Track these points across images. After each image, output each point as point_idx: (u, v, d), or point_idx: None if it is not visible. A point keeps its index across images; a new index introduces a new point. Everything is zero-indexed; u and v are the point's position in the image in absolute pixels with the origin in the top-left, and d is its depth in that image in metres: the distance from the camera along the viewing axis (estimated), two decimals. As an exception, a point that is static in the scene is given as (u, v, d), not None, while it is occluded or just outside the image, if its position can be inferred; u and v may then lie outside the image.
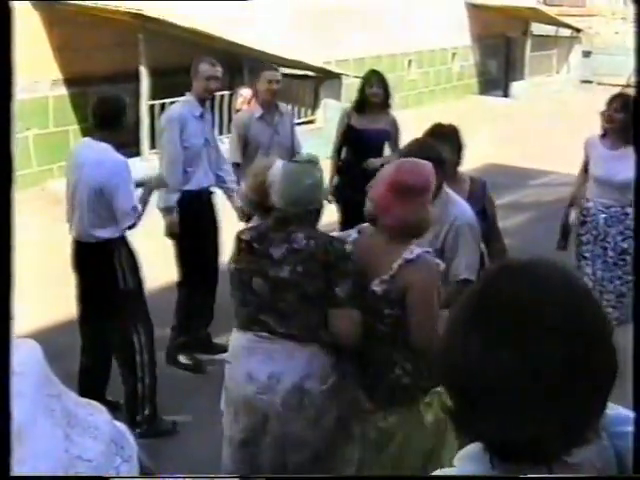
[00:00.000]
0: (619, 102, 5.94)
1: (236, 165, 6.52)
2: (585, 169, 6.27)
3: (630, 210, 5.93)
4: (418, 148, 4.13)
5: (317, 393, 3.57)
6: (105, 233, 5.04)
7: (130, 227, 5.06)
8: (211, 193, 6.26)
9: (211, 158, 6.17)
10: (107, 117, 5.08)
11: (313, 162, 3.71)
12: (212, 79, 6.00)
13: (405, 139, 9.50)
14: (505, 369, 1.23)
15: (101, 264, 5.10)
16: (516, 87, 20.52)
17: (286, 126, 6.78)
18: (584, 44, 23.21)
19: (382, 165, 6.86)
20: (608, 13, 24.78)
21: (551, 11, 21.17)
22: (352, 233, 3.60)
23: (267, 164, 4.11)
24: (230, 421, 3.75)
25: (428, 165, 3.49)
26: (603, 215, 6.06)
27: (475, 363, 1.26)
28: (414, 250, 3.39)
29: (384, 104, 7.10)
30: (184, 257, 6.12)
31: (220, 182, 6.32)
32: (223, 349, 6.23)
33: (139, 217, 5.07)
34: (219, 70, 6.07)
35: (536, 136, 14.44)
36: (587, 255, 6.17)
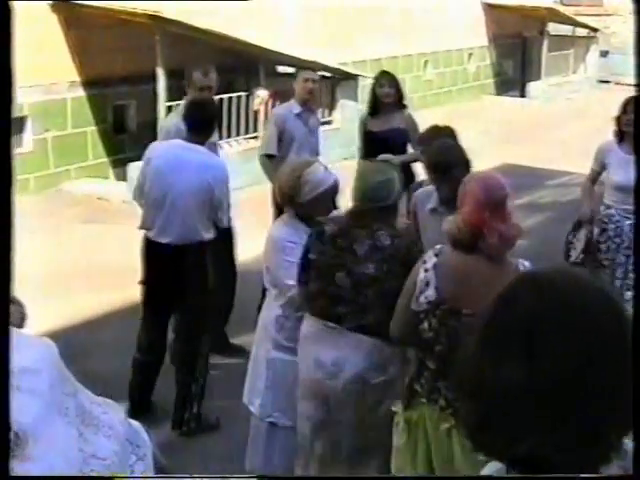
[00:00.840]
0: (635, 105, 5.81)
1: (270, 157, 6.65)
2: (594, 178, 6.13)
3: None
4: (451, 149, 4.37)
5: (376, 383, 3.74)
6: (209, 234, 5.13)
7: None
8: None
9: None
10: (204, 121, 5.20)
11: (388, 162, 3.92)
12: (205, 89, 5.87)
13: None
14: (516, 383, 1.23)
15: (198, 265, 5.15)
16: (533, 87, 20.43)
17: (316, 129, 7.02)
18: (601, 44, 23.08)
19: (405, 161, 6.90)
20: (625, 12, 24.63)
21: (568, 11, 21.09)
22: (430, 257, 3.35)
23: (305, 161, 4.22)
24: (300, 400, 4.00)
25: (500, 176, 3.49)
26: (628, 222, 5.86)
27: (488, 377, 1.25)
28: (524, 262, 3.29)
29: (398, 103, 7.04)
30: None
31: None
32: (240, 349, 6.26)
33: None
34: (213, 79, 5.94)
35: (553, 136, 14.38)
36: (606, 264, 6.00)
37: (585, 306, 1.26)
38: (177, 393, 5.29)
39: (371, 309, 3.68)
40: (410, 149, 7.06)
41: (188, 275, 5.12)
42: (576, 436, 1.22)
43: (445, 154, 4.40)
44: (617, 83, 21.81)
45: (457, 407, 3.13)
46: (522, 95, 20.54)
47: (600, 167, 6.07)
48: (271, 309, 4.28)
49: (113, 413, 1.58)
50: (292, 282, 4.00)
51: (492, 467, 1.37)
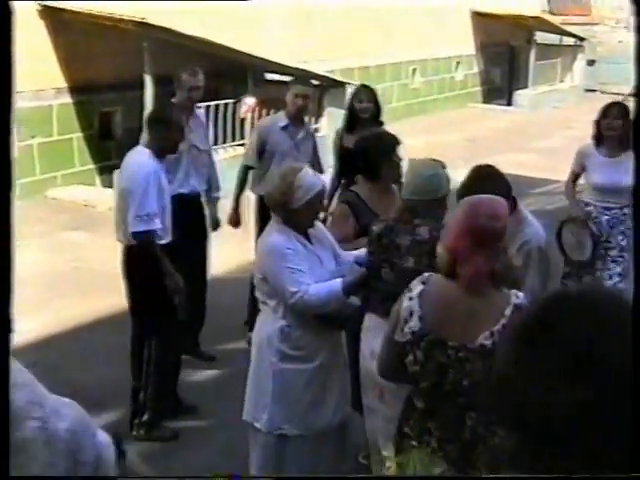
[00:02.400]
0: (617, 109, 6.25)
1: (249, 168, 6.58)
2: (574, 179, 6.50)
3: (628, 210, 6.19)
4: (485, 178, 4.12)
5: None
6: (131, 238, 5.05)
7: (141, 234, 4.98)
8: (195, 199, 6.16)
9: (197, 163, 6.13)
10: (152, 122, 5.19)
11: (436, 160, 4.05)
12: (194, 89, 6.02)
13: (409, 148, 9.51)
14: (563, 404, 1.22)
15: (131, 268, 5.11)
16: (520, 96, 20.51)
17: (308, 145, 6.67)
18: (588, 53, 23.20)
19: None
20: (612, 22, 24.80)
21: (555, 20, 21.20)
22: (416, 284, 3.13)
23: (292, 167, 4.21)
24: (363, 393, 4.24)
25: (503, 203, 3.12)
26: (605, 217, 6.32)
27: (534, 397, 1.23)
28: (518, 294, 3.08)
29: (375, 119, 6.66)
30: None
31: (204, 189, 6.27)
32: (211, 358, 6.26)
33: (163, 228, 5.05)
34: (201, 79, 6.05)
35: (539, 145, 14.44)
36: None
37: (626, 322, 1.26)
38: (131, 397, 5.28)
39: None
40: None
41: (125, 277, 5.15)
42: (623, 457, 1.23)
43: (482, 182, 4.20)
44: (603, 92, 21.91)
45: (449, 450, 3.05)
46: (509, 103, 20.63)
47: (580, 169, 6.46)
48: (271, 322, 4.12)
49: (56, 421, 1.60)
50: (295, 289, 3.93)
51: None
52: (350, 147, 6.62)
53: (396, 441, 3.28)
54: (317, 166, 6.49)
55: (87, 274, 7.72)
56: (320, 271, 4.04)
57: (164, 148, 5.12)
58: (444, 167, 4.15)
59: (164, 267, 5.01)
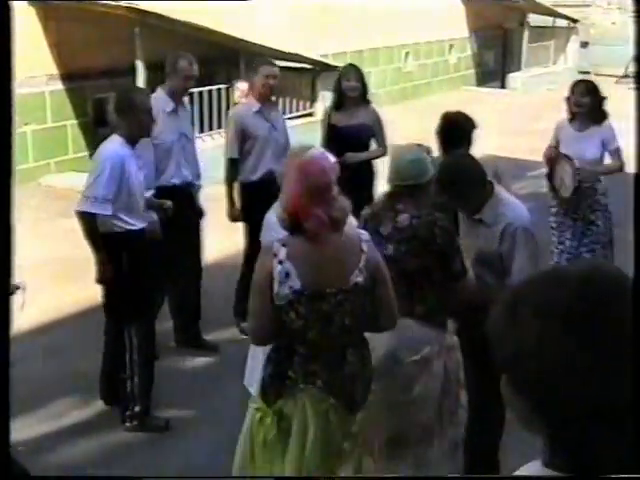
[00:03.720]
0: (583, 87, 6.62)
1: (233, 160, 6.41)
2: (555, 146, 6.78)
3: (599, 185, 6.58)
4: (459, 167, 4.30)
5: (409, 363, 3.79)
6: (113, 225, 5.05)
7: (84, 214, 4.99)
8: (188, 189, 6.12)
9: (187, 152, 6.10)
10: (118, 110, 5.16)
11: (421, 145, 4.04)
12: (189, 78, 5.98)
13: (402, 131, 9.50)
14: (607, 376, 1.24)
15: (109, 256, 5.09)
16: (513, 78, 20.49)
17: (280, 122, 6.68)
18: (581, 35, 23.16)
19: (368, 159, 6.87)
20: (604, 3, 24.73)
21: (548, 2, 21.14)
22: (279, 248, 3.31)
23: (300, 147, 4.19)
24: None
25: (325, 158, 3.40)
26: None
27: (577, 368, 1.25)
28: (362, 231, 3.52)
29: (362, 98, 6.88)
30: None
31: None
32: (213, 347, 6.26)
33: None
34: (196, 68, 6.01)
35: (533, 127, 14.41)
36: (554, 225, 6.76)
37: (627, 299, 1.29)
38: (120, 389, 5.25)
39: (395, 290, 3.58)
40: (373, 145, 7.03)
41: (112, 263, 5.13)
42: None
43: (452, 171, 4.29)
44: (597, 74, 21.87)
45: (333, 386, 3.34)
46: (503, 86, 20.61)
47: (555, 142, 6.81)
48: None
49: None
50: None
51: (532, 467, 1.37)
52: (339, 125, 6.74)
53: (276, 387, 3.42)
54: (288, 141, 6.55)
55: (82, 261, 7.69)
56: None
57: (134, 133, 5.09)
58: (429, 152, 4.18)
59: (99, 252, 5.04)
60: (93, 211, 4.95)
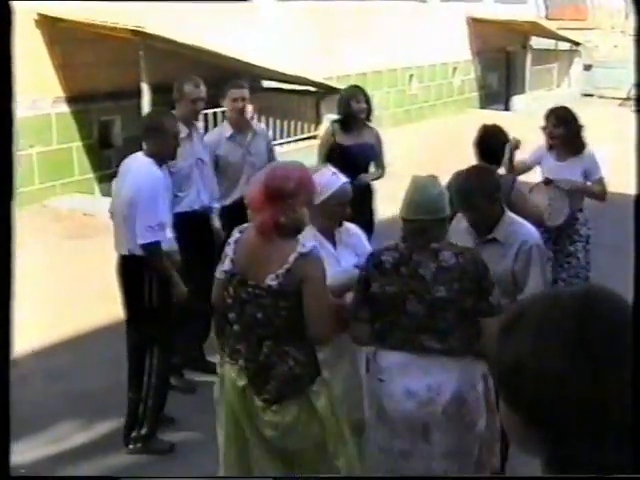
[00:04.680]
0: (554, 117, 6.23)
1: None
2: (521, 169, 6.34)
3: (579, 215, 6.22)
4: (474, 177, 4.39)
5: (473, 400, 3.75)
6: (136, 248, 5.00)
7: (152, 245, 4.95)
8: (206, 214, 6.09)
9: (205, 178, 6.05)
10: (148, 130, 5.15)
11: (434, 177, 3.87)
12: (198, 100, 5.95)
13: (407, 152, 9.51)
14: (612, 394, 1.25)
15: (131, 278, 5.07)
16: (517, 101, 20.54)
17: (260, 146, 6.49)
18: (584, 57, 23.24)
19: (373, 179, 6.90)
20: (608, 27, 24.84)
21: (552, 25, 21.23)
22: (235, 233, 3.72)
23: (314, 168, 4.24)
24: (385, 436, 3.86)
25: (298, 171, 3.62)
26: None
27: (584, 388, 1.26)
28: (306, 244, 3.54)
29: (367, 119, 6.96)
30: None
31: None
32: (215, 370, 6.23)
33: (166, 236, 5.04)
34: (203, 90, 5.98)
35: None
36: None
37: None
38: (127, 408, 5.23)
39: (453, 331, 3.66)
40: (372, 167, 7.03)
41: (124, 287, 5.13)
42: None
43: (471, 181, 4.38)
44: (600, 96, 21.95)
45: (249, 368, 3.61)
46: (506, 108, 20.66)
47: (532, 164, 6.46)
48: None
49: None
50: None
51: None
52: (346, 144, 6.75)
53: (220, 357, 3.84)
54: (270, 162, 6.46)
55: (86, 283, 7.71)
56: (334, 270, 3.99)
57: (162, 155, 5.11)
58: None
59: (171, 277, 5.04)
60: (159, 239, 4.94)
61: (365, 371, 4.31)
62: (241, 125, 6.38)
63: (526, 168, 6.44)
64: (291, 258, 3.47)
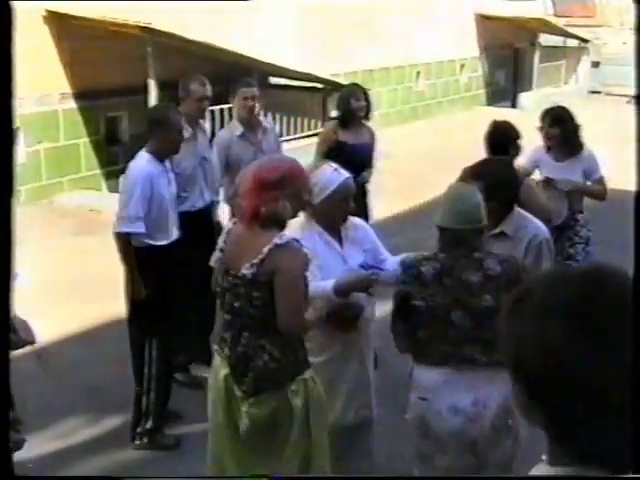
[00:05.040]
0: (550, 117, 6.10)
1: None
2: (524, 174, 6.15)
3: (579, 216, 6.10)
4: (485, 168, 4.38)
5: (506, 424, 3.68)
6: (144, 239, 5.07)
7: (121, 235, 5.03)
8: (208, 212, 6.13)
9: (208, 176, 6.07)
10: (152, 124, 5.19)
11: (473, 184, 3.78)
12: (204, 99, 5.97)
13: (414, 149, 9.50)
14: (619, 369, 1.26)
15: (141, 270, 5.10)
16: (524, 98, 20.50)
17: (270, 142, 6.51)
18: (592, 55, 23.19)
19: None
20: (616, 24, 24.77)
21: (560, 22, 21.18)
22: (229, 224, 3.81)
23: (314, 164, 4.22)
24: (431, 452, 3.79)
25: (288, 164, 3.69)
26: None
27: (584, 367, 1.27)
28: (283, 236, 3.53)
29: (366, 117, 6.92)
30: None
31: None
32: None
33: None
34: (209, 89, 6.00)
35: (545, 147, 14.42)
36: None
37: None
38: (133, 405, 5.27)
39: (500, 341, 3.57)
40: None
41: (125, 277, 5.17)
42: None
43: (482, 172, 4.34)
44: (608, 94, 21.90)
45: (230, 358, 3.65)
46: (513, 106, 20.62)
47: (532, 167, 6.31)
48: None
49: None
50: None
51: (539, 469, 1.38)
52: (347, 142, 6.74)
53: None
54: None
55: (94, 279, 7.73)
56: (340, 269, 4.00)
57: (164, 149, 5.14)
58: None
59: (133, 272, 5.05)
60: (127, 230, 5.00)
61: (373, 367, 4.31)
62: (252, 123, 6.39)
63: (527, 173, 6.26)
64: (265, 249, 3.48)
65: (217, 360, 3.77)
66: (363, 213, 6.65)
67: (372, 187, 6.96)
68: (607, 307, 1.28)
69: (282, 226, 3.61)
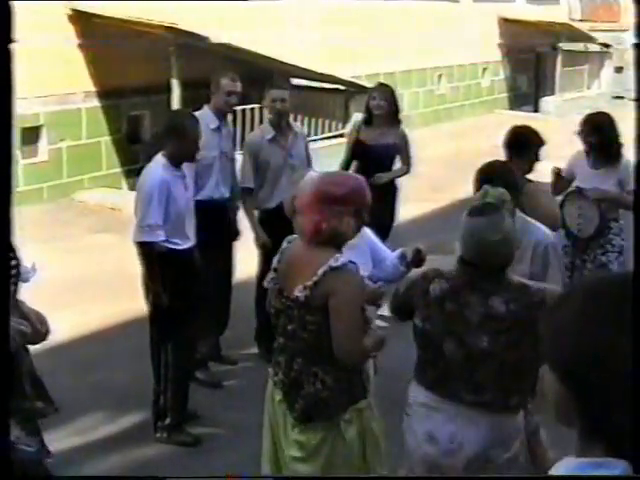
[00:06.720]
0: (589, 126, 6.02)
1: (248, 190, 6.26)
2: (564, 186, 6.19)
3: (614, 225, 5.99)
4: (492, 170, 4.25)
5: (501, 461, 3.44)
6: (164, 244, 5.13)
7: (143, 245, 5.08)
8: (225, 205, 6.17)
9: (226, 171, 6.14)
10: (168, 131, 5.23)
11: (499, 208, 3.44)
12: (233, 94, 6.04)
13: (435, 152, 9.48)
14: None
15: (155, 271, 5.14)
16: (546, 102, 20.42)
17: (300, 147, 6.47)
18: (615, 60, 23.06)
19: (392, 180, 6.92)
20: (640, 29, 24.60)
21: (584, 26, 21.07)
22: (284, 243, 3.62)
23: (310, 172, 4.18)
24: (405, 470, 3.74)
25: (353, 180, 3.57)
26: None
27: (616, 355, 1.31)
28: (339, 258, 3.34)
29: (392, 118, 6.95)
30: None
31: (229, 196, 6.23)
32: (233, 362, 6.28)
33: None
34: (239, 85, 6.08)
35: (566, 152, 14.35)
36: (566, 266, 6.02)
37: None
38: (153, 400, 5.34)
39: (488, 387, 3.37)
40: (398, 164, 7.07)
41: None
42: None
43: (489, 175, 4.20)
44: (631, 99, 21.74)
45: (283, 384, 3.51)
46: (536, 110, 20.53)
47: (570, 176, 6.20)
48: None
49: None
50: None
51: (568, 465, 1.40)
52: (366, 142, 6.83)
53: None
54: (308, 163, 6.49)
55: (113, 277, 7.76)
56: None
57: (179, 157, 5.18)
58: (509, 215, 3.56)
59: (155, 280, 5.08)
60: (149, 240, 5.04)
61: (373, 372, 4.29)
62: (282, 127, 6.37)
63: (568, 183, 6.20)
64: (320, 271, 3.31)
65: (271, 385, 3.65)
66: (385, 216, 6.66)
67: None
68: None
69: (340, 246, 3.45)
